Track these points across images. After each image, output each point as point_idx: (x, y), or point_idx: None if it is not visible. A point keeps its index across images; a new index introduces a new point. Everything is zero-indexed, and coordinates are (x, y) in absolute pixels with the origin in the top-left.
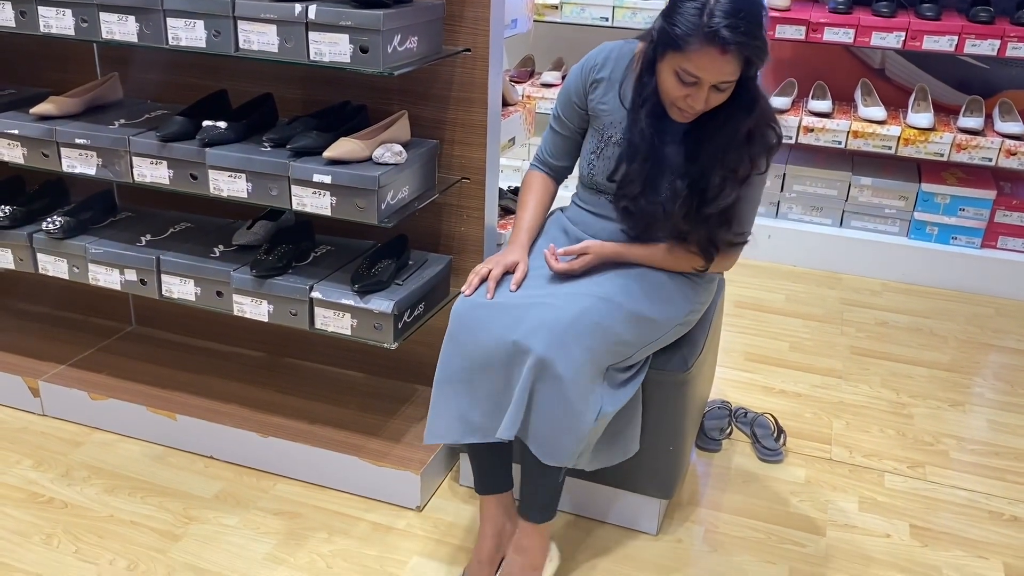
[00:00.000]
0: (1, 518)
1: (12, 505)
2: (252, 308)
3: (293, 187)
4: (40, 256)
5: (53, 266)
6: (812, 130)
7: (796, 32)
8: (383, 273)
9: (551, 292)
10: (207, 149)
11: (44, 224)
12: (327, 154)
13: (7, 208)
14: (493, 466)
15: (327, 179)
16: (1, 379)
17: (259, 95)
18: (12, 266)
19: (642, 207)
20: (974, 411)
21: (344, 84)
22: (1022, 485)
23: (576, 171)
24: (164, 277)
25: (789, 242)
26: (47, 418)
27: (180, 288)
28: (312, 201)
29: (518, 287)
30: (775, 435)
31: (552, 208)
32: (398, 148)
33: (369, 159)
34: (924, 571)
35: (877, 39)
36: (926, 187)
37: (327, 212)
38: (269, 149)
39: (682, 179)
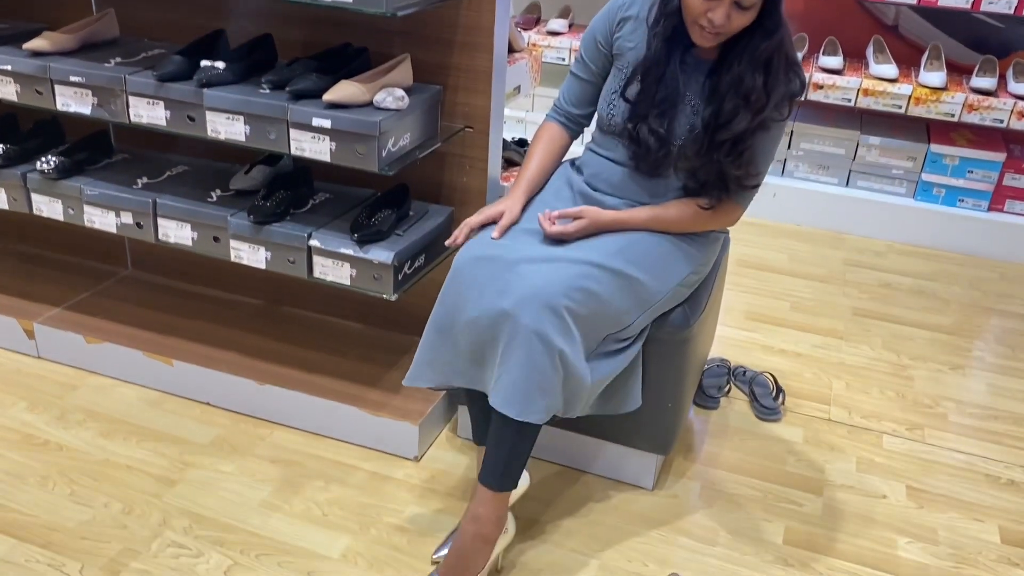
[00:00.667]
0: None
1: (7, 447)
2: (249, 255)
3: (292, 131)
4: (34, 196)
5: (48, 207)
6: (822, 87)
7: None
8: (383, 223)
9: (547, 255)
10: (205, 90)
11: (38, 164)
12: (327, 97)
13: (0, 147)
14: (488, 414)
15: (326, 123)
16: None
17: (258, 35)
18: (6, 206)
19: (647, 133)
20: (974, 375)
21: (345, 26)
22: (1020, 449)
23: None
24: (160, 221)
25: (794, 201)
26: (42, 360)
27: (177, 232)
28: (311, 146)
29: (501, 235)
30: (774, 394)
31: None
32: (400, 93)
33: (370, 104)
34: (920, 532)
35: None
36: (935, 148)
37: (326, 158)
38: (268, 91)
39: (702, 117)
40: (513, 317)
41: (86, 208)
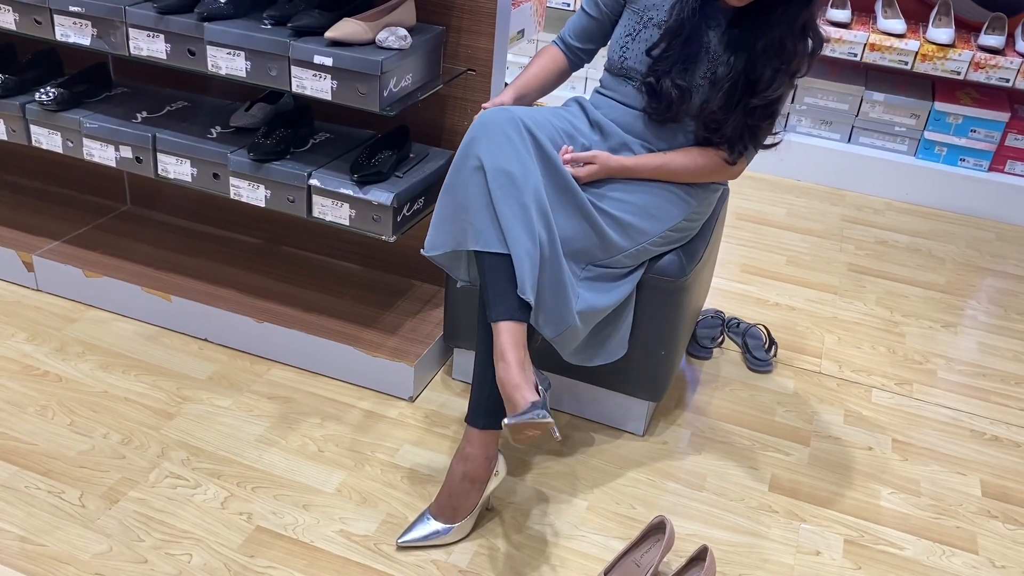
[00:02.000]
0: None
1: (7, 376)
2: (249, 192)
3: (293, 68)
4: (33, 128)
5: (47, 139)
6: (828, 41)
7: None
8: (383, 164)
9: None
10: (206, 24)
11: (37, 95)
12: (329, 34)
13: None
14: (504, 285)
15: (328, 61)
16: None
17: None
18: (4, 137)
19: (670, 86)
20: (965, 333)
21: None
22: (1005, 406)
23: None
24: (160, 156)
25: (795, 155)
26: (41, 293)
27: (176, 168)
28: (312, 84)
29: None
30: (766, 346)
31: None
32: (403, 32)
33: (372, 42)
34: (902, 483)
35: None
36: (939, 106)
37: (327, 96)
38: (269, 27)
39: (724, 67)
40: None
41: (85, 141)
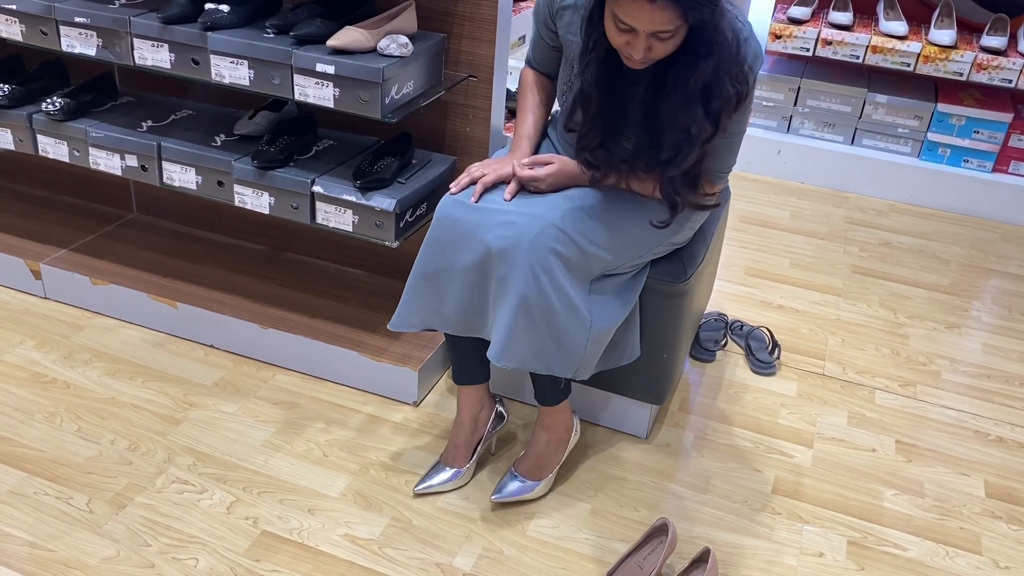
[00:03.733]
0: (4, 395)
1: (15, 384)
2: (253, 199)
3: (295, 76)
4: (40, 138)
5: (53, 148)
6: (830, 43)
7: None
8: (386, 171)
9: (529, 205)
10: (209, 33)
11: (44, 105)
12: (331, 43)
13: (6, 87)
14: (470, 359)
15: (330, 69)
16: (3, 261)
17: None
18: (12, 147)
19: (601, 159)
20: (969, 334)
21: None
22: (1009, 407)
23: None
24: (165, 164)
25: (798, 158)
26: (49, 301)
27: (181, 176)
28: (315, 92)
29: (512, 197)
30: (769, 348)
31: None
32: (404, 40)
33: (374, 50)
34: (906, 484)
35: None
36: (942, 107)
37: (330, 104)
38: (272, 36)
39: (642, 131)
40: (508, 281)
41: (91, 150)
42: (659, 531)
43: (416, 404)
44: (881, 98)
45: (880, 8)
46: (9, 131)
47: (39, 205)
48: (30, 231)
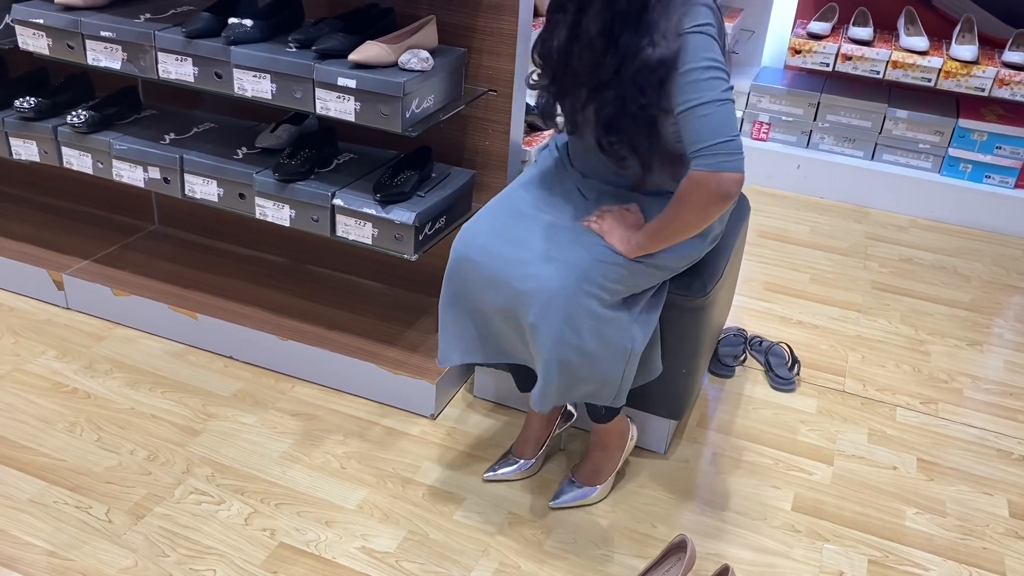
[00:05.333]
0: (26, 405)
1: (37, 393)
2: (274, 212)
3: (317, 90)
4: (65, 150)
5: (78, 160)
6: (850, 58)
7: None
8: (405, 184)
9: (554, 249)
10: (232, 47)
11: (69, 118)
12: (352, 57)
13: (32, 100)
14: (526, 368)
15: (352, 83)
16: (27, 271)
17: None
18: (37, 159)
19: (575, 124)
20: (992, 351)
21: None
22: None
23: None
24: (187, 176)
25: (818, 173)
26: (71, 311)
27: (203, 188)
28: (336, 105)
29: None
30: (789, 364)
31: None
32: (425, 55)
33: (395, 64)
34: (928, 503)
35: None
36: (964, 123)
37: (351, 117)
38: (294, 50)
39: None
40: (537, 330)
41: (115, 162)
42: (678, 548)
43: (434, 417)
44: (901, 113)
45: (901, 23)
46: (34, 143)
47: (63, 216)
48: (53, 242)
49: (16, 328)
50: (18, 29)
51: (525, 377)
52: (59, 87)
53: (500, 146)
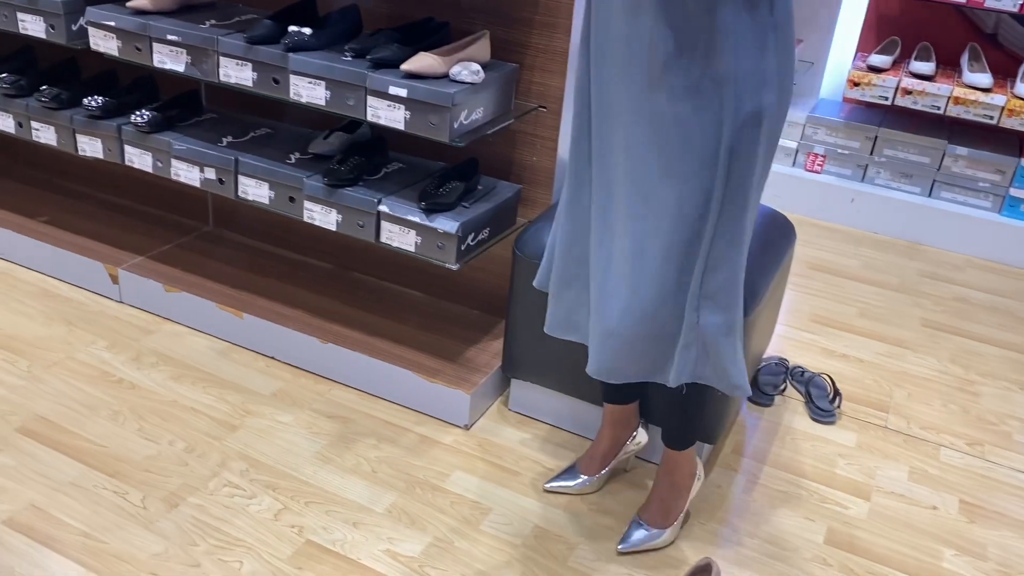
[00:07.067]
0: (73, 391)
1: (84, 381)
2: (322, 216)
3: (369, 98)
4: (127, 148)
5: (139, 159)
6: (910, 92)
7: None
8: (450, 194)
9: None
10: (290, 54)
11: (132, 117)
12: (404, 67)
13: (99, 99)
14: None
15: (402, 92)
16: (85, 264)
17: (346, 6)
18: (101, 155)
19: None
20: None
21: (429, 1)
22: None
23: None
24: (241, 178)
25: (873, 208)
26: (123, 305)
27: (255, 190)
28: (387, 114)
29: None
30: (830, 397)
31: None
32: (476, 67)
33: (446, 76)
34: (967, 546)
35: (991, 0)
36: None
37: (400, 126)
38: (350, 59)
39: None
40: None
41: (173, 162)
42: (703, 570)
43: (467, 428)
44: (961, 150)
45: (964, 59)
46: (99, 141)
47: (123, 214)
48: (112, 238)
49: (71, 318)
50: (91, 31)
51: (613, 388)
52: (126, 89)
53: (547, 162)
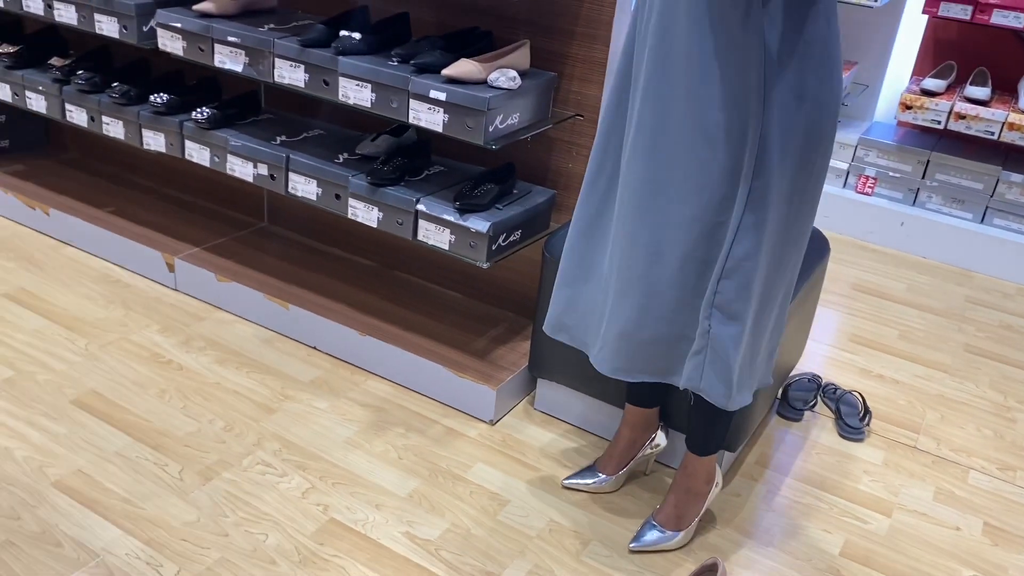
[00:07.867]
0: (126, 369)
1: (137, 361)
2: (364, 213)
3: (411, 101)
4: (187, 143)
5: (198, 153)
6: (964, 117)
7: (962, 12)
8: (485, 196)
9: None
10: (340, 57)
11: (194, 114)
12: (445, 72)
13: (164, 96)
14: (640, 385)
15: (442, 96)
16: (145, 253)
17: (396, 13)
18: (163, 149)
19: None
20: None
21: (476, 11)
22: None
23: None
24: (291, 175)
25: (923, 232)
26: (178, 292)
27: (304, 187)
28: (427, 116)
29: None
30: (860, 415)
31: None
32: (513, 74)
33: (484, 82)
34: (989, 569)
35: None
36: None
37: (439, 128)
38: (396, 63)
39: None
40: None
41: (229, 157)
42: (709, 570)
43: (492, 423)
44: (1016, 177)
45: (1022, 86)
46: (163, 135)
47: (184, 208)
48: (172, 229)
49: (129, 302)
50: (159, 31)
51: (636, 389)
52: (191, 88)
53: (582, 169)
